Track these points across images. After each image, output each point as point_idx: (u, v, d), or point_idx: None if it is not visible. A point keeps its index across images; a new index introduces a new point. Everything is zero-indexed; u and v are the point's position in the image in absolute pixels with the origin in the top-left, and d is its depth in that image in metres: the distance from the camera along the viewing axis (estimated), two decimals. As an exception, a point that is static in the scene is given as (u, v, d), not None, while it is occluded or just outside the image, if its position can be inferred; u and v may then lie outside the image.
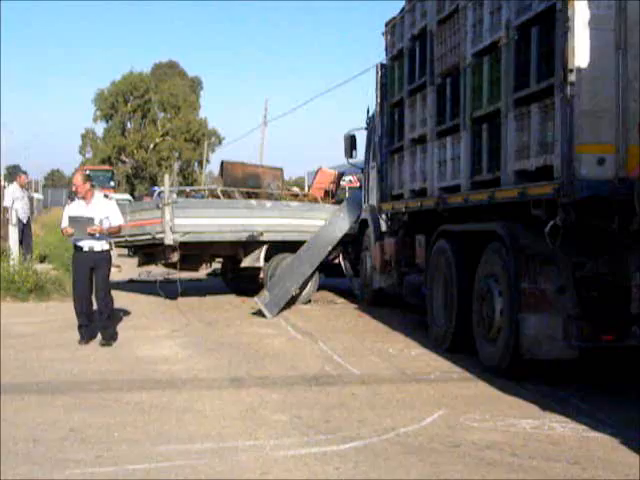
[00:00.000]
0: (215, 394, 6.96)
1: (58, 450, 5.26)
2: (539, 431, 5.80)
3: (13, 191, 16.66)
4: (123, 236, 13.74)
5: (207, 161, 67.27)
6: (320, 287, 13.74)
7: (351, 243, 13.96)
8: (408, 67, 10.51)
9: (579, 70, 6.23)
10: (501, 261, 7.53)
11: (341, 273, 14.30)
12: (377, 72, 11.86)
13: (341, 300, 13.91)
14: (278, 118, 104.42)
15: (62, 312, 11.97)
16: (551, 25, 6.69)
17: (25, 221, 16.77)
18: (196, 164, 73.06)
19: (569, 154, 6.33)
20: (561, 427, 5.89)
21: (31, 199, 21.05)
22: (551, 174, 6.63)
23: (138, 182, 71.19)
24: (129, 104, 70.78)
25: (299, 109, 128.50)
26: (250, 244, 13.21)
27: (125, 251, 20.58)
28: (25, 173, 20.21)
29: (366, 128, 13.80)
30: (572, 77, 6.22)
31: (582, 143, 6.29)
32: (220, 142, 74.08)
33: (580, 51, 6.23)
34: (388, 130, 11.51)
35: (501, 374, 7.43)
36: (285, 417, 6.16)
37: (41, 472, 4.83)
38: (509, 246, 7.35)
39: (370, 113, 13.40)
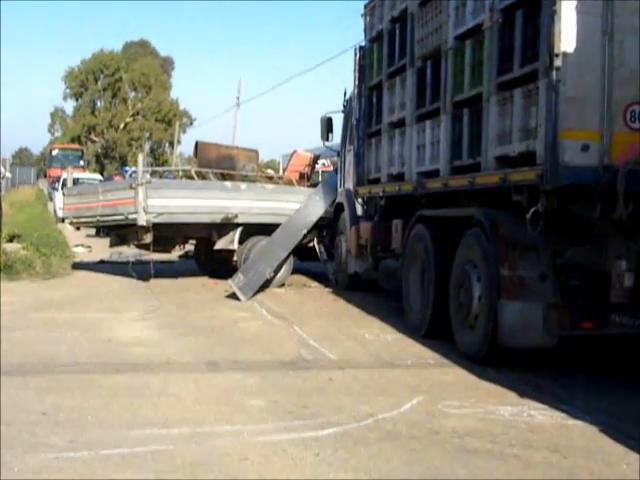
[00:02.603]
0: (190, 378, 6.86)
1: (31, 434, 5.13)
2: (518, 418, 5.77)
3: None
4: (95, 216, 13.64)
5: (178, 142, 66.68)
6: (294, 271, 13.64)
7: (326, 227, 13.87)
8: (387, 49, 10.38)
9: (565, 55, 6.14)
10: (480, 247, 7.46)
11: (316, 257, 14.21)
12: (355, 54, 11.70)
13: (315, 284, 13.82)
14: (252, 99, 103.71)
15: (32, 292, 11.81)
16: (536, 9, 6.61)
17: (-7, 199, 16.50)
18: (167, 145, 72.40)
19: (553, 140, 6.25)
20: (540, 415, 5.87)
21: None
22: (533, 160, 6.57)
23: (108, 162, 70.45)
24: (99, 82, 69.93)
25: (274, 89, 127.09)
26: (224, 226, 13.07)
27: (93, 231, 20.46)
28: (-7, 151, 19.88)
29: (343, 111, 13.66)
30: (558, 62, 6.14)
31: (566, 129, 6.22)
32: (192, 123, 73.58)
33: (566, 36, 6.14)
34: (366, 113, 11.38)
35: (479, 361, 7.38)
36: (262, 402, 6.08)
37: (14, 456, 4.70)
38: (489, 232, 7.28)
39: (347, 95, 13.27)
